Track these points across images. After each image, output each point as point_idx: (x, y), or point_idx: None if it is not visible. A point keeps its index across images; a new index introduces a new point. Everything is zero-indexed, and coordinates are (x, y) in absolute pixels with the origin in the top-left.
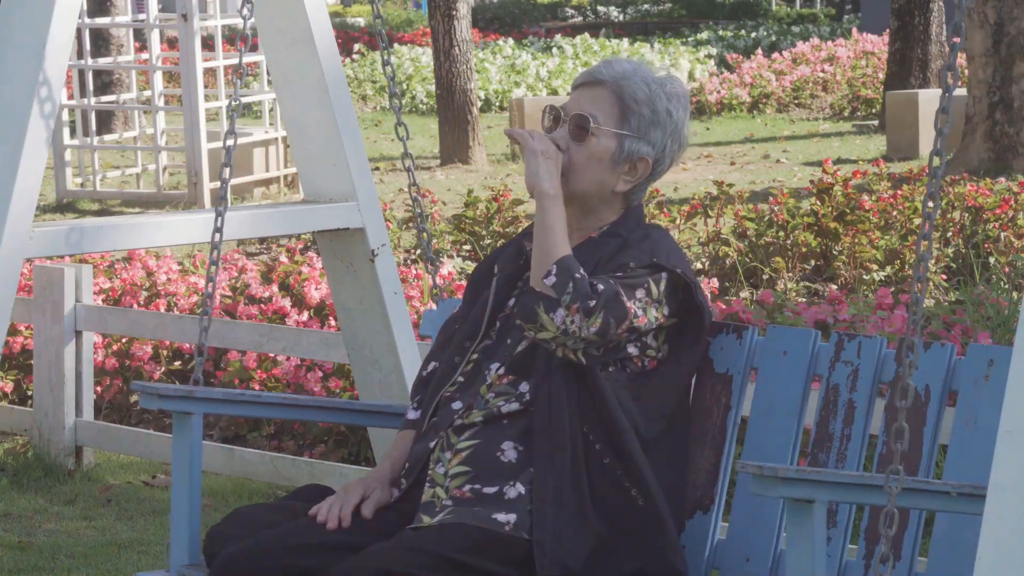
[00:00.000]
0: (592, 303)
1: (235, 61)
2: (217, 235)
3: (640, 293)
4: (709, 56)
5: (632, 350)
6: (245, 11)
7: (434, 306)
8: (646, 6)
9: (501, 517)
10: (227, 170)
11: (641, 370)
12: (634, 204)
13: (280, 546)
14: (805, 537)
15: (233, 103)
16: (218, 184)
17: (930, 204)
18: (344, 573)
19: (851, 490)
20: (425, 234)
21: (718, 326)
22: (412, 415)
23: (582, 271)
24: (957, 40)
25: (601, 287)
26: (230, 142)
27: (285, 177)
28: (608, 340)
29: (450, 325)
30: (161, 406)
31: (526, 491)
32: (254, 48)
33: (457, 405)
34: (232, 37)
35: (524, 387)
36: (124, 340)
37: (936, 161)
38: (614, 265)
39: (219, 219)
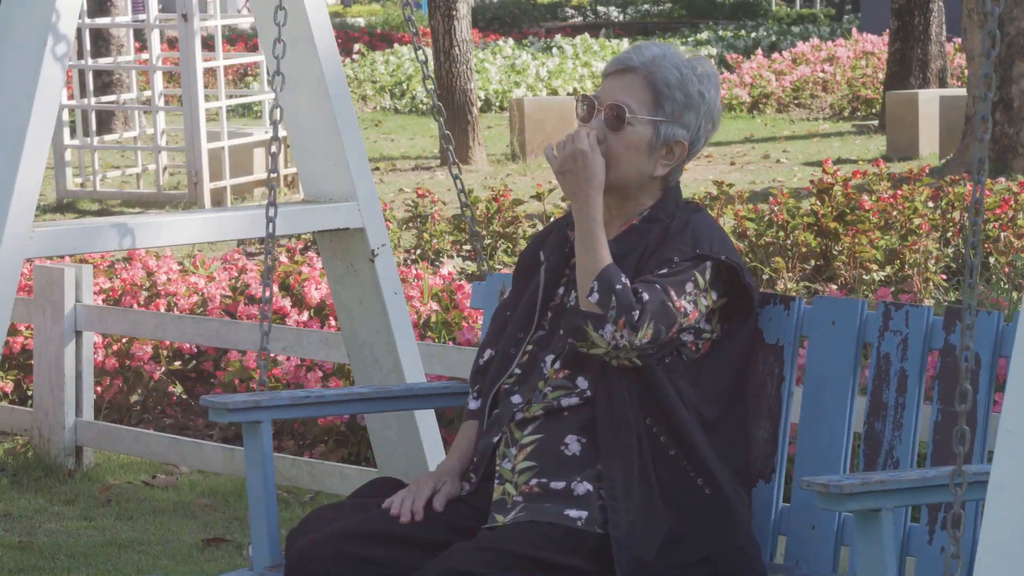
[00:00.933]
0: (637, 314)
1: (235, 61)
2: (270, 225)
3: (689, 287)
4: (709, 56)
5: (687, 336)
6: (281, 16)
7: (483, 280)
8: (646, 6)
9: (573, 513)
10: (271, 172)
11: (696, 354)
12: (671, 184)
13: (355, 533)
14: (874, 544)
15: (273, 104)
16: (218, 184)
17: (975, 206)
18: (425, 574)
19: (916, 494)
20: (468, 210)
21: (765, 297)
22: (473, 404)
23: (623, 280)
24: (981, 45)
25: (646, 296)
26: (274, 148)
27: (285, 177)
28: (661, 344)
29: (502, 312)
30: (231, 419)
31: (594, 488)
32: (254, 48)
33: (516, 399)
34: (232, 37)
35: (581, 381)
36: (124, 340)
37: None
38: (658, 260)
39: (270, 225)
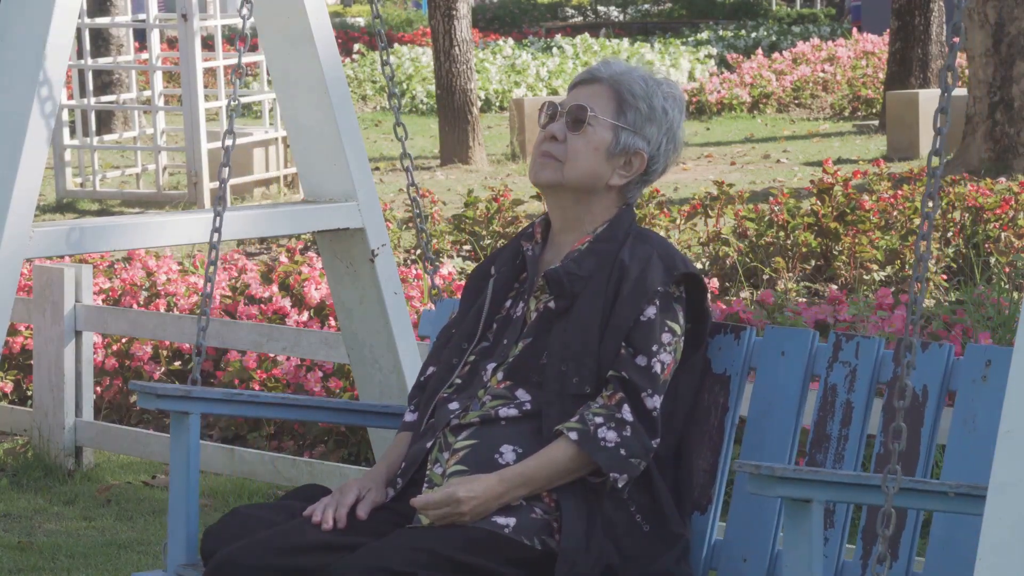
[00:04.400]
0: (654, 441)
1: (235, 61)
2: (216, 235)
3: (666, 338)
4: (709, 56)
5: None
6: (244, 10)
7: (432, 307)
8: (646, 6)
9: (500, 520)
10: (225, 170)
11: None
12: (630, 202)
13: (275, 546)
14: (802, 537)
15: (231, 103)
16: (218, 184)
17: (929, 204)
18: (340, 571)
19: (848, 489)
20: (424, 234)
21: (716, 327)
22: (409, 417)
23: (622, 450)
24: (956, 40)
25: (629, 421)
26: (228, 142)
27: (285, 177)
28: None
29: (447, 330)
30: (159, 406)
31: (524, 499)
32: (254, 48)
33: (454, 406)
34: (232, 37)
35: (522, 394)
36: (124, 340)
37: (935, 161)
38: (638, 292)
39: (217, 219)
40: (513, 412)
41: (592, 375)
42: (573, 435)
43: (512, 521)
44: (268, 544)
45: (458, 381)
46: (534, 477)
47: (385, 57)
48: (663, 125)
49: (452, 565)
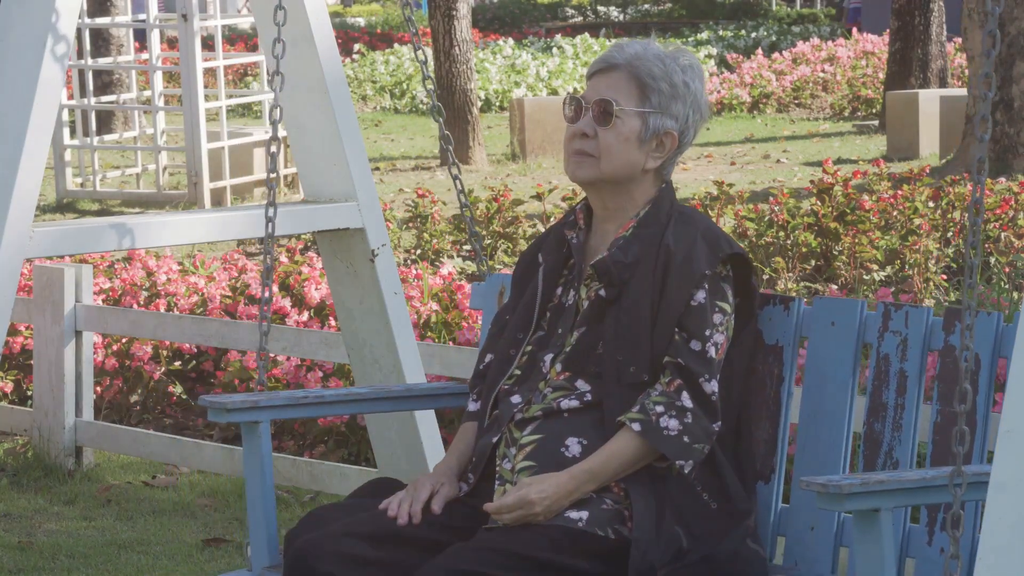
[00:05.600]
0: (704, 431)
1: (235, 61)
2: (269, 238)
3: (718, 318)
4: (709, 56)
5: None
6: (277, 49)
7: (483, 280)
8: (646, 6)
9: (573, 515)
10: (270, 171)
11: None
12: (667, 179)
13: (353, 533)
14: (873, 544)
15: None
16: (218, 184)
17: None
18: (424, 574)
19: (915, 494)
20: (468, 210)
21: (764, 298)
22: (473, 406)
23: (684, 438)
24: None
25: (690, 407)
26: (273, 148)
27: (285, 177)
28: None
29: (501, 316)
30: (229, 419)
31: (595, 491)
32: (254, 48)
33: (516, 399)
34: (232, 37)
35: (582, 384)
36: (124, 340)
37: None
38: (686, 277)
39: (269, 225)
40: (575, 403)
41: (647, 363)
42: (636, 426)
43: (585, 515)
44: (346, 533)
45: (517, 372)
46: (602, 471)
47: (417, 52)
48: (687, 99)
49: (532, 564)
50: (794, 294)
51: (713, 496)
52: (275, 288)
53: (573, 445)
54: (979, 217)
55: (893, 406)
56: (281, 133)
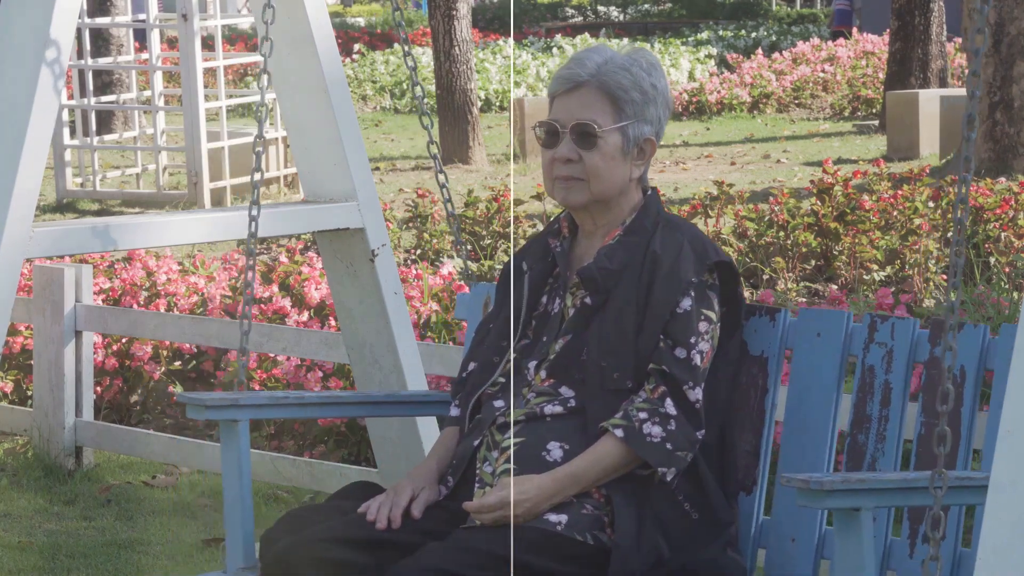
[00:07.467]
0: (699, 432)
1: (235, 61)
2: (252, 238)
3: (703, 327)
4: (709, 56)
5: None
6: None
7: (466, 289)
8: (646, 6)
9: (552, 518)
10: (256, 173)
11: None
12: (647, 187)
13: (331, 537)
14: (854, 544)
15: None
16: (218, 184)
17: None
18: (398, 573)
19: (896, 495)
20: (452, 218)
21: (751, 309)
22: (454, 412)
23: (668, 444)
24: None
25: (673, 415)
26: (259, 147)
27: (285, 177)
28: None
29: (485, 326)
30: (207, 416)
31: (575, 495)
32: (254, 48)
33: (499, 404)
34: (232, 37)
35: (566, 391)
36: (124, 340)
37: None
38: (672, 284)
39: (252, 224)
40: (558, 409)
41: (631, 369)
42: (619, 432)
43: (564, 518)
44: (325, 536)
45: (501, 380)
46: (584, 476)
47: (406, 58)
48: (658, 100)
49: (506, 565)
50: (794, 294)
51: (694, 506)
52: (275, 288)
53: (555, 450)
54: (964, 215)
55: (877, 418)
56: (281, 133)
